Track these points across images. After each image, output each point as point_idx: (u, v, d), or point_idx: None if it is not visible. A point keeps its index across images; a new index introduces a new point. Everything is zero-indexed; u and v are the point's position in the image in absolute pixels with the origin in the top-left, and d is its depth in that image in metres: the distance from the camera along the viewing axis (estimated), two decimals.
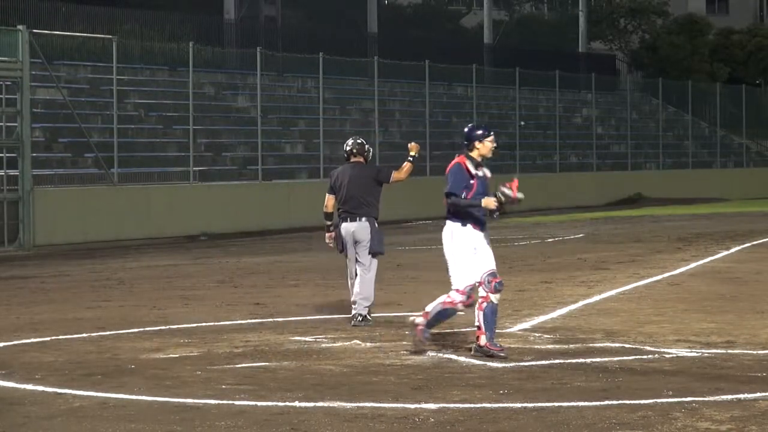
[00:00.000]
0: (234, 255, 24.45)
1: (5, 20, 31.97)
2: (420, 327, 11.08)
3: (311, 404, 9.09)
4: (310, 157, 37.04)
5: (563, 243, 26.01)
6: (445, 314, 11.13)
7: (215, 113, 36.49)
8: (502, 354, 10.92)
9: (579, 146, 48.81)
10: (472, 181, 11.06)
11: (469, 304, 11.06)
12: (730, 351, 11.29)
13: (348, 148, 14.00)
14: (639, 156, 51.11)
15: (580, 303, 15.11)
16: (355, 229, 13.64)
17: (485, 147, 11.16)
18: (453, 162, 11.25)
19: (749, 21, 71.09)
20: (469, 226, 11.07)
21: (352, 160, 13.98)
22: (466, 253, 11.01)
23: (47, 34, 31.83)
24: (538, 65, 48.18)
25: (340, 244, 13.72)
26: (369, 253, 13.60)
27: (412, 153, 13.93)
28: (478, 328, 11.00)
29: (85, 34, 34.78)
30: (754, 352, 11.21)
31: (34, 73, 28.84)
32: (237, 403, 9.20)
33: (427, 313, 11.11)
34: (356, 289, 13.53)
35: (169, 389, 9.79)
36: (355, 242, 13.66)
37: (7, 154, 27.23)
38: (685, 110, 54.58)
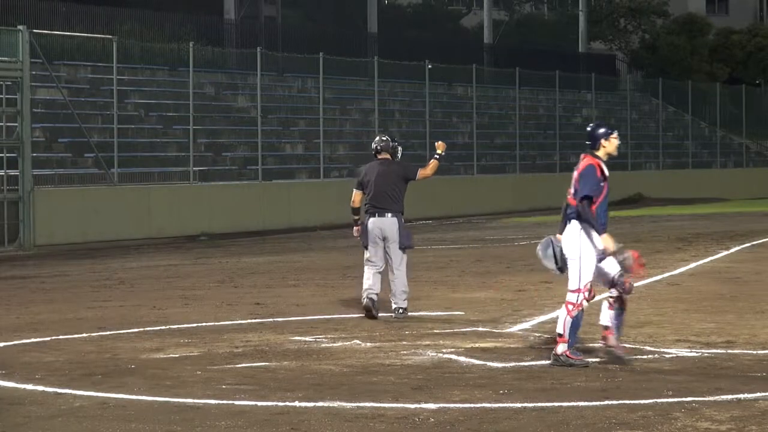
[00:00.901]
0: (234, 255, 24.45)
1: (5, 20, 31.98)
2: (566, 352, 10.57)
3: (311, 404, 9.10)
4: (310, 157, 37.05)
5: None
6: (578, 322, 10.68)
7: (215, 113, 36.49)
8: (628, 356, 10.66)
9: (579, 146, 48.58)
10: (602, 184, 10.71)
11: (591, 299, 10.74)
12: (730, 351, 11.30)
13: (375, 146, 14.43)
14: (639, 156, 51.09)
15: None
16: (384, 225, 14.03)
17: (612, 144, 10.88)
18: (585, 163, 10.79)
19: (749, 21, 71.06)
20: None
21: (380, 156, 14.34)
22: (593, 255, 10.64)
23: (47, 34, 31.83)
24: (538, 65, 48.17)
25: (366, 239, 13.97)
26: (399, 248, 13.99)
27: (438, 151, 14.48)
28: (606, 328, 10.70)
29: (85, 34, 34.77)
30: (754, 352, 11.22)
31: (34, 73, 28.83)
32: (237, 403, 9.20)
33: (562, 336, 10.60)
34: (393, 287, 13.97)
35: (169, 389, 9.79)
36: (384, 238, 14.01)
37: (8, 154, 27.22)
38: (685, 110, 54.57)
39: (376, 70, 39.34)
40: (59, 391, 9.79)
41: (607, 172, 10.79)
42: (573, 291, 10.64)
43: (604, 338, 10.74)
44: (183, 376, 10.37)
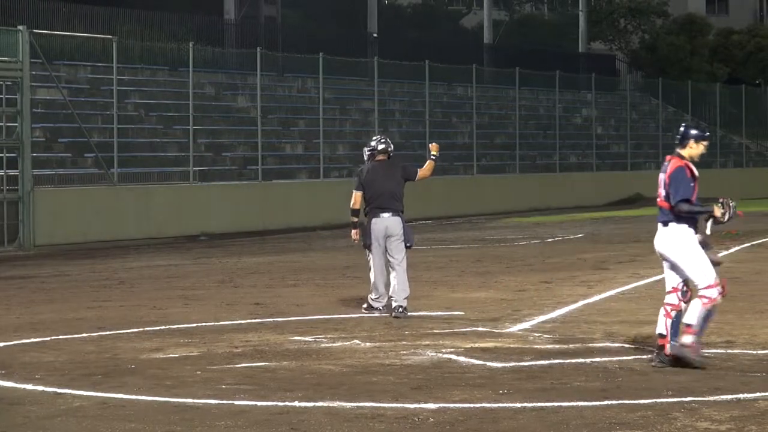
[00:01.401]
0: (234, 255, 24.45)
1: (5, 20, 31.96)
2: (694, 344, 10.34)
3: (311, 404, 9.10)
4: (310, 157, 37.05)
5: (563, 243, 26.01)
6: (710, 316, 10.49)
7: (215, 113, 36.48)
8: (690, 362, 10.34)
9: (579, 146, 48.79)
10: (692, 184, 10.60)
11: (725, 294, 10.52)
12: (729, 351, 11.30)
13: (381, 146, 14.53)
14: (639, 156, 51.09)
15: (580, 303, 15.12)
16: (389, 223, 14.18)
17: (698, 149, 10.80)
18: (673, 165, 10.68)
19: (749, 21, 71.08)
20: (691, 228, 10.56)
21: (379, 157, 14.48)
22: (699, 251, 10.47)
23: (47, 34, 31.80)
24: (538, 65, 48.14)
25: (369, 239, 14.08)
26: (406, 246, 14.19)
27: (433, 152, 14.84)
28: (662, 336, 10.45)
29: (85, 34, 34.76)
30: (754, 352, 11.22)
31: (34, 73, 28.82)
32: (237, 402, 9.21)
33: (690, 326, 10.35)
34: (393, 283, 14.08)
35: (169, 389, 9.79)
36: (387, 237, 14.16)
37: (8, 154, 27.22)
38: (684, 110, 54.54)
39: (376, 70, 39.34)
40: (59, 391, 9.79)
41: (696, 173, 10.68)
42: (705, 288, 10.41)
43: (662, 347, 10.48)
44: (183, 376, 10.37)
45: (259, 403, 9.15)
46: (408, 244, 14.26)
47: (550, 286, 17.07)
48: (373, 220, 14.22)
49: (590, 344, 11.80)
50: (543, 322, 13.53)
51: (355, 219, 14.48)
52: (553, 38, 61.69)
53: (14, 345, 12.40)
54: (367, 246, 14.28)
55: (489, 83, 48.00)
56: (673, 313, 10.51)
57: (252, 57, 35.86)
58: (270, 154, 36.02)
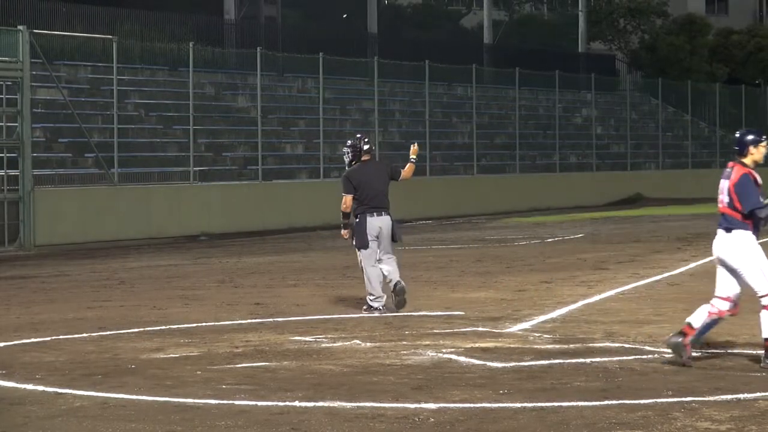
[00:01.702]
0: (234, 255, 24.46)
1: (5, 20, 31.97)
2: None
3: (311, 404, 9.10)
4: (310, 157, 37.06)
5: (563, 243, 26.02)
6: None
7: (215, 113, 36.49)
8: (688, 363, 10.52)
9: (579, 146, 48.79)
10: (756, 190, 10.61)
11: (735, 313, 10.70)
12: (730, 351, 11.31)
13: (366, 147, 14.69)
14: (638, 156, 51.11)
15: (580, 303, 15.12)
16: (383, 223, 14.42)
17: (759, 152, 10.74)
18: (738, 174, 10.65)
19: (748, 21, 71.08)
20: (754, 234, 10.68)
21: (365, 158, 14.66)
22: (762, 258, 10.65)
23: (47, 34, 31.81)
24: (538, 65, 48.16)
25: (365, 239, 14.14)
26: (394, 241, 14.53)
27: (412, 156, 15.08)
28: (691, 326, 10.62)
29: (85, 34, 34.76)
30: (754, 352, 11.22)
31: (34, 73, 28.84)
32: (237, 403, 9.21)
33: None
34: (388, 268, 14.31)
35: (169, 389, 9.80)
36: (381, 236, 14.39)
37: (8, 154, 27.24)
38: (684, 110, 54.58)
39: (376, 70, 39.35)
40: (59, 391, 9.80)
41: (760, 180, 10.67)
42: (766, 294, 10.59)
43: (684, 334, 10.57)
44: (183, 376, 10.37)
45: (259, 403, 9.15)
46: (398, 240, 14.59)
47: (550, 286, 17.07)
48: (368, 220, 14.32)
49: (590, 344, 11.81)
50: (543, 322, 13.54)
51: (347, 221, 14.60)
52: (552, 38, 61.69)
53: (15, 345, 12.41)
54: (365, 246, 14.29)
55: (489, 83, 48.00)
56: (715, 316, 10.59)
57: (252, 57, 35.88)
58: (270, 154, 36.03)
